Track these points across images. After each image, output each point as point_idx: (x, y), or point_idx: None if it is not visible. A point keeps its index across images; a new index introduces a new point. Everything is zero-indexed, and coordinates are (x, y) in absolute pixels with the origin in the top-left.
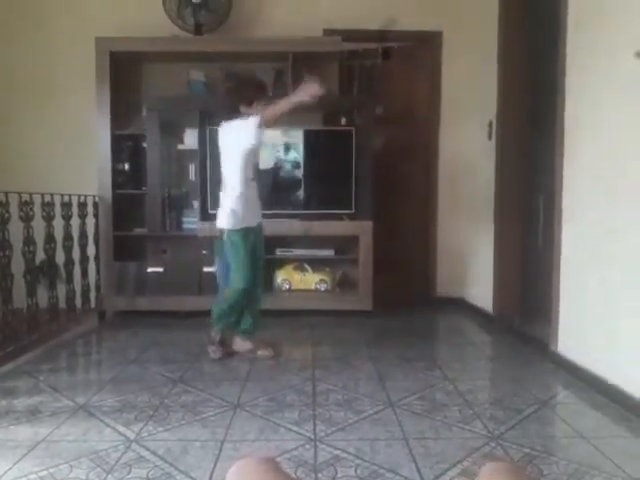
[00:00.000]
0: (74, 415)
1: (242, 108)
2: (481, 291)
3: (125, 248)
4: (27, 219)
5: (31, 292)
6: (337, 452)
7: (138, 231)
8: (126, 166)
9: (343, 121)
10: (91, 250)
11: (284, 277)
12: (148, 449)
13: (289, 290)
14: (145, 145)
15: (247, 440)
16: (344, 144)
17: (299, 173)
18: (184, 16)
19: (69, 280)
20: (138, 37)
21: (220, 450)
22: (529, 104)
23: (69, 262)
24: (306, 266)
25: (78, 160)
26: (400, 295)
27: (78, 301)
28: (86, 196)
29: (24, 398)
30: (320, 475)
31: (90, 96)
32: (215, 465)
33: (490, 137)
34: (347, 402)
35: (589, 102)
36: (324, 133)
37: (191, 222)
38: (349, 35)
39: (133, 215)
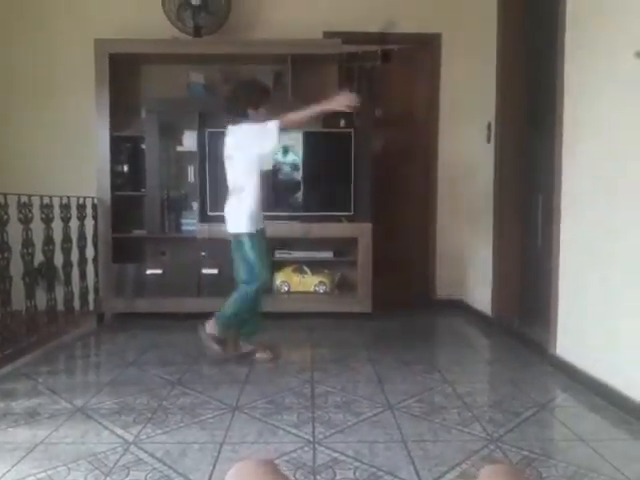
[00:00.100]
0: (72, 417)
1: (250, 112)
2: (480, 293)
3: (124, 250)
4: (26, 221)
5: (30, 294)
6: (336, 454)
7: (137, 233)
8: (125, 168)
9: (342, 123)
10: (90, 252)
11: (283, 279)
12: (146, 451)
13: (288, 292)
14: (144, 147)
15: (246, 442)
16: (343, 146)
17: (298, 175)
18: (184, 18)
19: (68, 282)
20: (137, 39)
21: (219, 452)
22: (528, 104)
23: (68, 264)
24: (305, 268)
25: (77, 161)
26: (399, 297)
27: (77, 303)
28: (85, 198)
29: (22, 400)
30: (319, 477)
31: (89, 97)
32: (214, 467)
33: (489, 140)
34: (346, 404)
35: (589, 102)
36: (323, 135)
37: (190, 224)
38: (349, 37)
39: (132, 217)
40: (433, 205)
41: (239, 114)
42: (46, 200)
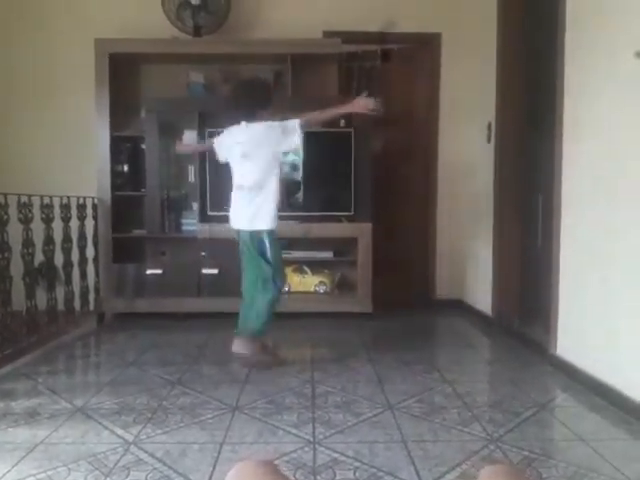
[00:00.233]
0: (72, 417)
1: (260, 111)
2: (480, 293)
3: (124, 250)
4: (26, 221)
5: (30, 294)
6: (336, 455)
7: (137, 233)
8: (125, 168)
9: (342, 123)
10: (90, 252)
11: None
12: (146, 452)
13: (288, 292)
14: (144, 147)
15: (246, 443)
16: (343, 146)
17: (298, 175)
18: (183, 18)
19: (68, 282)
20: (137, 38)
21: (219, 453)
22: (528, 104)
23: (68, 264)
24: (305, 268)
25: (77, 161)
26: (399, 297)
27: (77, 303)
28: (85, 198)
29: (22, 400)
30: (319, 478)
31: (89, 97)
32: (214, 468)
33: (489, 140)
34: (346, 404)
35: (589, 102)
36: (323, 135)
37: (190, 224)
38: (349, 37)
39: (132, 217)
40: (433, 205)
41: (250, 113)
42: (46, 200)
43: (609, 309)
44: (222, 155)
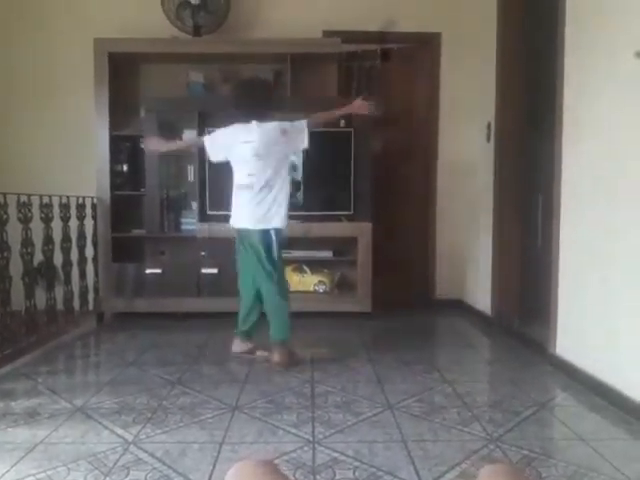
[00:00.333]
0: (72, 417)
1: (265, 111)
2: (480, 292)
3: (123, 249)
4: (25, 220)
5: (29, 294)
6: (336, 454)
7: (136, 232)
8: (124, 167)
9: (342, 122)
10: (89, 251)
11: None
12: (146, 451)
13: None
14: (143, 146)
15: (245, 442)
16: (343, 145)
17: (297, 175)
18: (183, 17)
19: (67, 282)
20: (137, 38)
21: (218, 452)
22: (528, 104)
23: (67, 264)
24: (305, 267)
25: (77, 161)
26: (399, 297)
27: (76, 303)
28: (84, 197)
29: (22, 400)
30: (318, 477)
31: (89, 97)
32: (213, 467)
33: (489, 139)
34: (346, 404)
35: (589, 102)
36: (323, 134)
37: (190, 223)
38: (348, 36)
39: (131, 216)
40: (433, 205)
41: (256, 113)
42: (45, 200)
43: (609, 309)
44: (217, 155)
